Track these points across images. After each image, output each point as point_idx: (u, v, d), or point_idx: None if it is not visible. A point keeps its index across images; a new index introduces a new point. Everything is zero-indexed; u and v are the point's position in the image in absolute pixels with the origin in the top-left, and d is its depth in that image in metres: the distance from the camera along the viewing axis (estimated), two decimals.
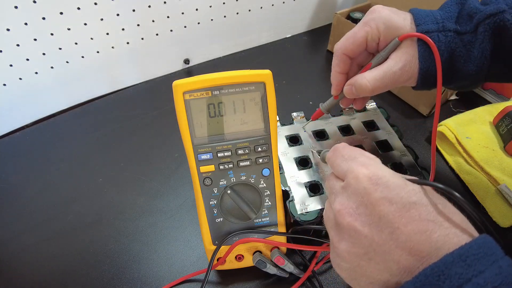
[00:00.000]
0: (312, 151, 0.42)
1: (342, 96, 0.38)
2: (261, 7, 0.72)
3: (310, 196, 0.38)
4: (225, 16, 0.69)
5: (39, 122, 0.62)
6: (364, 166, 0.25)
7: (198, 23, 0.67)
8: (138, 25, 0.62)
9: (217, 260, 0.38)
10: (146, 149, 0.56)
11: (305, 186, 0.39)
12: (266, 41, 0.78)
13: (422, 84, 0.34)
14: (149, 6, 0.60)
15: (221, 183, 0.35)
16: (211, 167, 0.34)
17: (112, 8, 0.58)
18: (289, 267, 0.38)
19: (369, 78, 0.33)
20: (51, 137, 0.58)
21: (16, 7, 0.50)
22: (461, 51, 0.32)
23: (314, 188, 0.39)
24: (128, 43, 0.63)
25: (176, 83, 0.31)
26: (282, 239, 0.38)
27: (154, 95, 0.67)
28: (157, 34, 0.65)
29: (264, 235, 0.37)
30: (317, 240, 0.37)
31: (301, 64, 0.73)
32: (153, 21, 0.63)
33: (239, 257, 0.38)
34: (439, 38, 0.32)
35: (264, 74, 0.32)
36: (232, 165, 0.34)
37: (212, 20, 0.68)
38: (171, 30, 0.66)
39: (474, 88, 0.40)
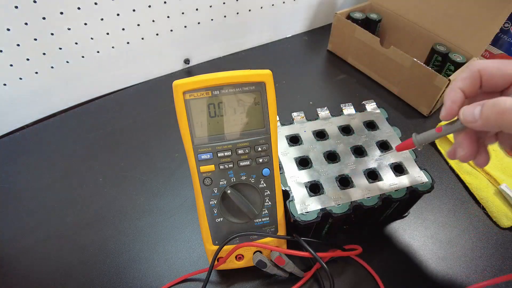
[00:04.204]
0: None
1: (453, 129, 0.27)
2: (261, 7, 0.72)
3: (310, 196, 0.38)
4: (225, 16, 0.69)
5: (39, 122, 0.62)
6: None
7: (198, 23, 0.67)
8: (138, 25, 0.62)
9: (217, 260, 0.38)
10: (146, 149, 0.56)
11: (305, 186, 0.39)
12: (266, 41, 0.78)
13: None
14: (149, 6, 0.60)
15: (221, 183, 0.35)
16: (211, 167, 0.34)
17: (112, 8, 0.58)
18: (290, 267, 0.38)
19: None
20: (51, 137, 0.58)
21: (16, 7, 0.50)
22: None
23: (314, 188, 0.39)
24: (128, 43, 0.63)
25: (176, 83, 0.31)
26: (284, 241, 0.38)
27: (154, 95, 0.67)
28: (157, 34, 0.65)
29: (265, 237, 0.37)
30: (317, 240, 0.37)
31: (301, 64, 0.73)
32: (153, 21, 0.63)
33: (239, 257, 0.38)
34: None
35: (264, 74, 0.32)
36: (232, 165, 0.34)
37: (212, 20, 0.68)
38: (171, 30, 0.66)
39: None
